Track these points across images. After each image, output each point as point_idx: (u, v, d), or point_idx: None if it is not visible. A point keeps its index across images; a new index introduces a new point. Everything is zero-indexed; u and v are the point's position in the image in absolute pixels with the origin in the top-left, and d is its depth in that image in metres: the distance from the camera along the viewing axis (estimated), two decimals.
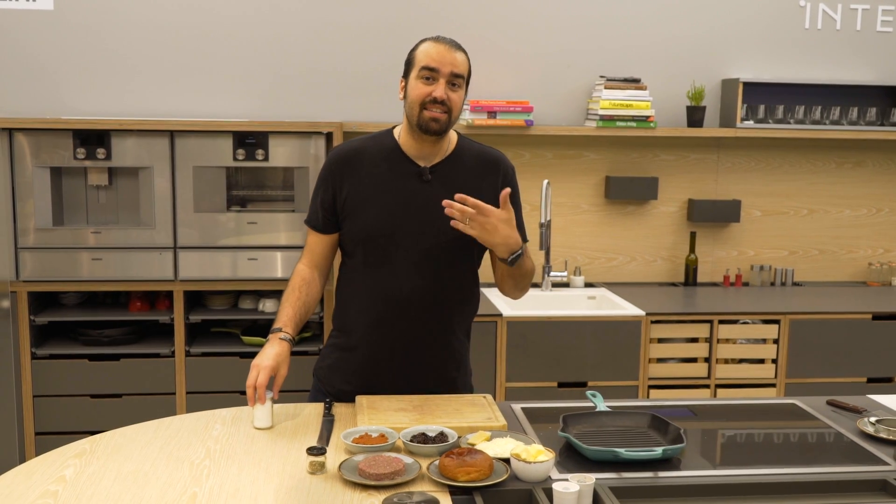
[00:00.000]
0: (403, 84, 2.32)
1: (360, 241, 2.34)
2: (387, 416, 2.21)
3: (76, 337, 3.75)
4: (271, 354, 2.22)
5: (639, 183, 4.30)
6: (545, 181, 4.00)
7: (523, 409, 2.36)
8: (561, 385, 3.74)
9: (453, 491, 1.84)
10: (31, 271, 3.58)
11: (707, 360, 3.84)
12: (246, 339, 3.78)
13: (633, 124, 4.13)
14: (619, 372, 3.76)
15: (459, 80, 2.27)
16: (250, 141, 3.60)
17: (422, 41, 2.29)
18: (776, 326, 3.85)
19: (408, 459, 1.95)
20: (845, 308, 3.92)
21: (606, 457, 1.98)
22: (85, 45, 3.95)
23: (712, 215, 4.36)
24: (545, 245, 3.95)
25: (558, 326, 3.71)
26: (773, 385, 3.87)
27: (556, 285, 4.24)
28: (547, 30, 4.21)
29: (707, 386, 3.84)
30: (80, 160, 3.55)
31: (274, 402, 2.22)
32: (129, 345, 3.73)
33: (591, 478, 1.83)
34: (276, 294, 3.77)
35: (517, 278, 2.40)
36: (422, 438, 2.05)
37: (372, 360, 2.38)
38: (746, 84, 4.20)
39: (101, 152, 3.54)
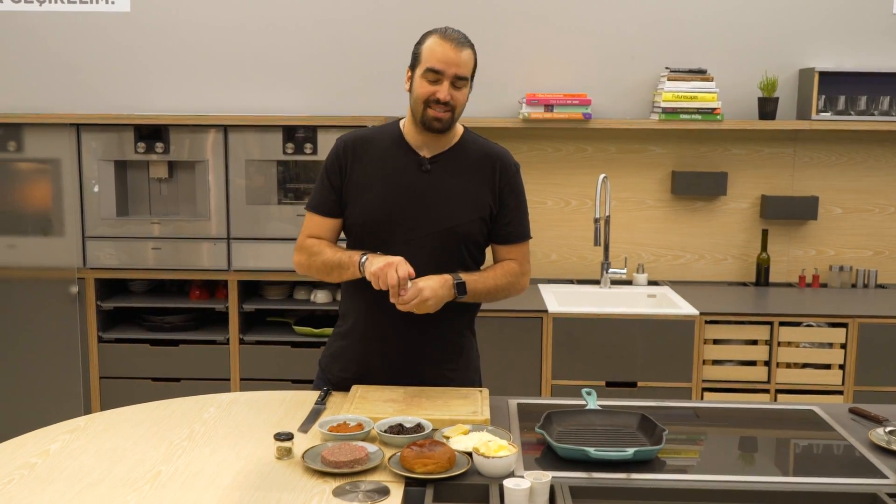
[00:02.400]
0: (410, 75, 2.32)
1: (358, 226, 2.37)
2: (372, 406, 2.21)
3: (141, 322, 3.93)
4: (385, 258, 2.21)
5: (706, 178, 4.13)
6: (601, 176, 3.95)
7: (519, 404, 2.32)
8: (609, 384, 3.64)
9: (410, 482, 1.83)
10: (97, 259, 3.77)
11: (767, 363, 3.66)
12: (298, 328, 3.86)
13: (699, 117, 3.98)
14: (671, 373, 3.63)
15: (462, 81, 2.26)
16: (299, 135, 3.68)
17: (429, 34, 2.27)
18: (843, 330, 3.62)
19: (372, 448, 1.95)
20: None
21: (577, 455, 1.92)
22: (149, 45, 4.13)
23: (787, 212, 4.14)
24: (599, 241, 3.89)
25: (606, 324, 3.61)
26: (840, 392, 3.65)
27: (617, 282, 4.14)
28: (608, 21, 4.11)
29: (766, 391, 3.66)
30: (140, 154, 3.71)
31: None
32: (188, 331, 3.88)
33: (547, 475, 1.78)
34: (328, 285, 3.84)
35: (487, 295, 2.40)
36: (398, 429, 2.05)
37: (365, 348, 2.40)
38: (823, 74, 3.97)
39: (159, 146, 3.70)
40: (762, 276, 4.18)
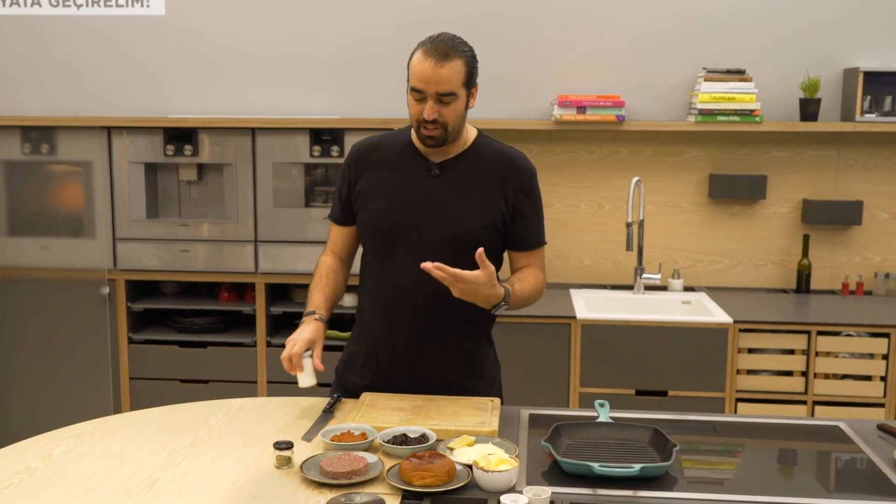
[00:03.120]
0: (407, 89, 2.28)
1: (368, 232, 2.34)
2: (379, 415, 2.17)
3: (171, 324, 3.95)
4: (307, 330, 2.24)
5: (745, 181, 4.02)
6: (634, 179, 3.86)
7: (531, 415, 2.26)
8: (639, 393, 3.55)
9: (407, 495, 1.79)
10: (126, 261, 3.80)
11: (804, 374, 3.54)
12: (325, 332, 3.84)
13: (736, 119, 3.87)
14: (703, 382, 3.53)
15: (449, 96, 2.17)
16: (326, 137, 3.66)
17: (417, 46, 2.20)
18: (886, 340, 3.49)
19: (372, 459, 1.91)
20: None
21: (581, 470, 1.86)
22: (182, 48, 4.15)
23: (830, 217, 4.01)
24: (632, 246, 3.81)
25: (636, 331, 3.53)
26: (882, 405, 3.51)
27: (651, 288, 4.05)
28: (644, 20, 4.02)
29: (804, 402, 3.54)
30: (169, 157, 3.73)
31: (318, 372, 2.22)
32: (216, 333, 3.89)
33: (546, 491, 1.72)
34: (355, 289, 3.80)
35: (515, 309, 2.32)
36: (401, 439, 2.01)
37: (377, 355, 2.36)
38: (869, 74, 3.82)
39: (188, 149, 3.71)
40: (803, 283, 4.04)
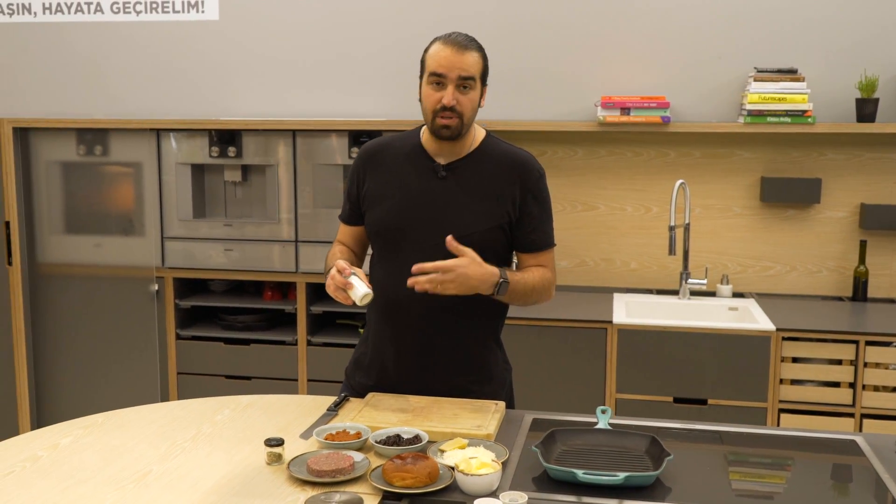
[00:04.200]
0: (419, 85, 2.29)
1: (375, 233, 2.36)
2: (379, 415, 2.18)
3: (217, 321, 4.04)
4: (339, 262, 2.19)
5: (798, 185, 3.88)
6: (678, 182, 3.78)
7: (534, 419, 2.24)
8: (677, 400, 3.47)
9: (388, 495, 1.79)
10: (174, 259, 3.91)
11: (852, 385, 3.40)
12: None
13: (788, 120, 3.74)
14: (744, 392, 3.42)
15: (469, 81, 2.20)
16: (363, 140, 3.69)
17: (433, 41, 2.24)
18: None
19: (359, 458, 1.92)
20: None
21: (566, 477, 1.82)
22: (234, 52, 4.24)
23: (890, 222, 3.83)
24: (674, 250, 3.72)
25: (673, 337, 3.44)
26: None
27: (699, 294, 3.95)
28: (692, 19, 3.92)
29: (851, 415, 3.40)
30: (214, 158, 3.82)
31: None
32: (260, 331, 3.96)
33: (523, 496, 1.70)
34: None
35: (520, 300, 2.31)
36: (395, 440, 2.01)
37: (382, 355, 2.37)
38: None
39: (231, 150, 3.79)
40: (859, 291, 3.88)
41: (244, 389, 3.89)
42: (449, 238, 2.11)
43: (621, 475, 1.79)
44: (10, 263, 3.97)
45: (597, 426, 2.09)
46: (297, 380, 3.91)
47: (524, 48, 4.05)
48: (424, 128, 2.35)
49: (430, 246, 2.25)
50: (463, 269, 2.12)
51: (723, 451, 2.09)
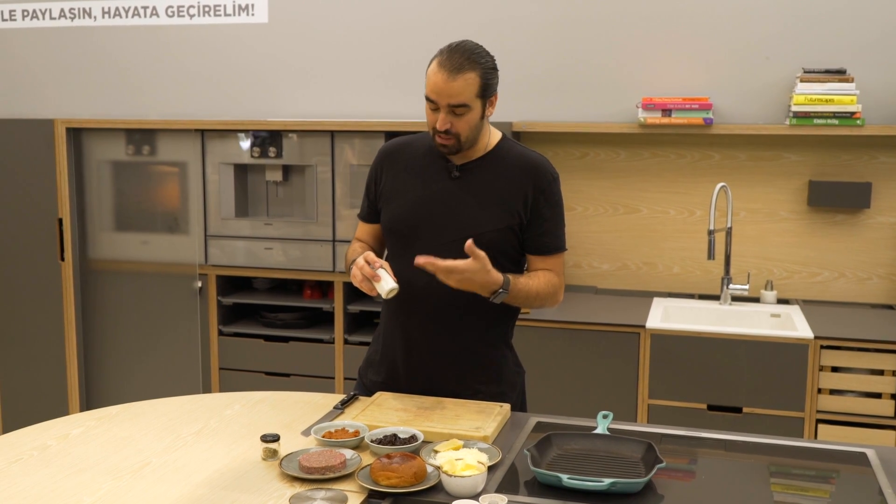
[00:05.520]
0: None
1: (388, 231, 2.39)
2: (381, 414, 2.20)
3: (259, 319, 4.12)
4: (364, 254, 2.21)
5: (847, 189, 3.76)
6: (718, 185, 3.70)
7: (538, 423, 2.22)
8: (711, 408, 3.40)
9: (373, 494, 1.80)
10: (217, 257, 4.00)
11: (895, 396, 3.27)
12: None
13: (835, 122, 3.63)
14: (781, 401, 3.33)
15: (461, 108, 2.18)
16: None
17: (434, 56, 2.22)
18: None
19: (349, 455, 1.94)
20: None
21: (551, 481, 1.81)
22: (282, 54, 4.32)
23: None
24: (713, 255, 3.65)
25: (708, 343, 3.37)
26: None
27: (741, 299, 3.86)
28: (738, 19, 3.83)
29: (892, 427, 3.27)
30: (256, 158, 3.90)
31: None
32: (299, 329, 4.02)
33: (503, 499, 1.69)
34: None
35: (522, 303, 2.31)
36: (391, 439, 2.02)
37: (391, 353, 2.40)
38: None
39: (272, 151, 3.86)
40: None
41: (283, 386, 3.95)
42: (469, 242, 2.11)
43: (606, 481, 1.76)
44: (62, 259, 4.12)
45: (595, 431, 2.06)
46: (333, 377, 3.95)
47: (565, 49, 4.02)
48: None
49: (442, 244, 2.27)
50: (470, 273, 2.12)
51: (723, 460, 2.05)
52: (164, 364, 4.12)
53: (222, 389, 4.07)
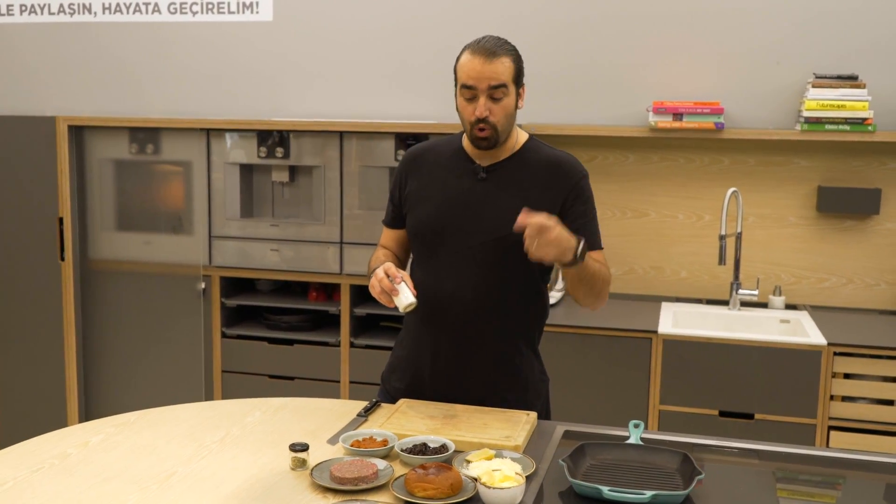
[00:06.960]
0: (455, 94, 2.27)
1: (414, 235, 2.36)
2: (408, 422, 2.16)
3: (262, 321, 4.07)
4: (385, 265, 2.17)
5: (856, 194, 3.75)
6: (729, 191, 3.69)
7: (566, 431, 2.19)
8: (722, 414, 3.38)
9: None
10: (221, 258, 3.94)
11: None
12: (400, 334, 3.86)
13: (847, 127, 3.62)
14: (793, 407, 3.31)
15: (501, 89, 2.17)
16: (410, 142, 3.67)
17: (463, 49, 2.22)
18: None
19: (382, 466, 1.90)
20: None
21: (590, 493, 1.78)
22: (287, 53, 4.26)
23: None
24: (724, 260, 3.63)
25: (720, 349, 3.35)
26: None
27: (750, 304, 3.84)
28: (750, 24, 3.82)
29: None
30: (262, 158, 3.84)
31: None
32: (304, 331, 3.97)
33: None
34: None
35: (589, 283, 2.21)
36: (421, 448, 1.98)
37: (416, 360, 2.36)
38: None
39: (279, 151, 3.81)
40: None
41: (287, 390, 3.91)
42: (524, 210, 2.01)
43: (648, 493, 1.73)
44: (62, 258, 4.05)
45: (628, 441, 2.03)
46: (339, 381, 3.91)
47: (576, 51, 3.99)
48: None
49: (467, 247, 2.24)
50: (552, 224, 1.99)
51: (766, 469, 2.02)
52: (165, 367, 4.06)
53: (225, 393, 4.02)
